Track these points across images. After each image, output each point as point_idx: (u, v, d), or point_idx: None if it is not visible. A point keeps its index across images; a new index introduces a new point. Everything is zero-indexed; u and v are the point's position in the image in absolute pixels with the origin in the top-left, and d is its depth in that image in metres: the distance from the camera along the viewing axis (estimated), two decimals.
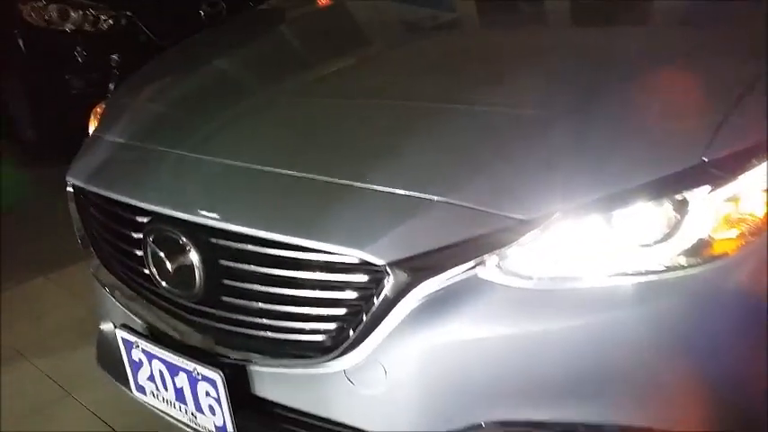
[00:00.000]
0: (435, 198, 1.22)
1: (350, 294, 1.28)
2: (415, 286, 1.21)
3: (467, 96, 1.48)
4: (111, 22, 4.54)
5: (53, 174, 4.38)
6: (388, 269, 1.20)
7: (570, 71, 1.47)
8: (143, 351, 1.56)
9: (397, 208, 1.24)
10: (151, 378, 1.59)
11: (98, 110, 2.15)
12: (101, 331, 1.95)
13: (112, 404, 2.29)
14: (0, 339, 2.72)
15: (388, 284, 1.21)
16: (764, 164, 1.21)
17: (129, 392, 1.74)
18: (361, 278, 1.25)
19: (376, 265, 1.21)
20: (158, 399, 1.60)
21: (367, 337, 1.26)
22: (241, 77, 1.97)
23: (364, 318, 1.25)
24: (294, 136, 1.52)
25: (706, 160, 1.19)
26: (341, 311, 1.29)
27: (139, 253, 1.54)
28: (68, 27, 4.49)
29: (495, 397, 1.25)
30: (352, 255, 1.22)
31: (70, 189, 1.77)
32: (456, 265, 1.20)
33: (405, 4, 2.39)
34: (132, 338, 1.57)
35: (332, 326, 1.31)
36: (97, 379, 2.37)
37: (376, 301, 1.23)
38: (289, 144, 1.49)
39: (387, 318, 1.23)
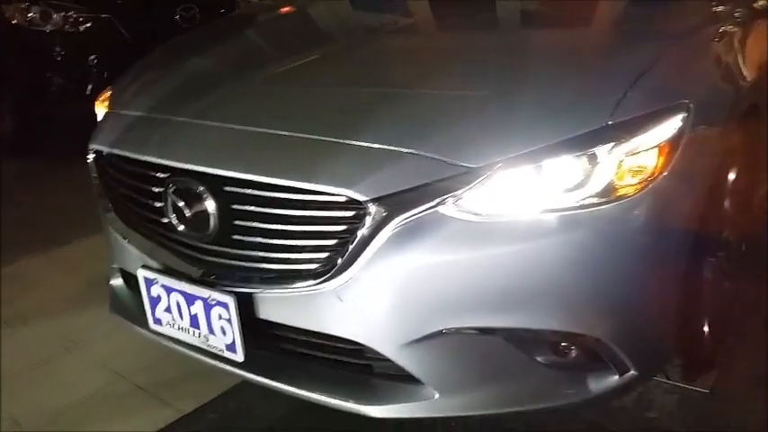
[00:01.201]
0: (405, 150, 1.59)
1: (338, 228, 1.63)
2: (391, 220, 1.56)
3: (424, 78, 1.89)
4: (89, 23, 4.79)
5: (33, 165, 4.66)
6: (369, 205, 1.55)
7: (504, 61, 1.90)
8: (162, 286, 1.87)
9: (375, 158, 1.60)
10: (168, 310, 1.90)
11: (105, 94, 2.44)
12: (111, 285, 2.26)
13: (117, 355, 2.57)
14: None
15: (369, 218, 1.56)
16: (656, 127, 1.60)
17: (143, 329, 2.05)
18: (347, 214, 1.61)
19: (359, 202, 1.56)
20: (174, 327, 1.91)
21: (353, 262, 1.61)
22: (235, 63, 2.31)
23: (350, 246, 1.60)
24: (287, 106, 1.89)
25: (610, 123, 1.58)
26: (331, 242, 1.64)
27: (158, 204, 1.87)
28: (49, 28, 4.73)
29: (452, 309, 1.61)
30: (340, 193, 1.57)
31: (91, 156, 2.09)
32: (422, 203, 1.56)
33: (365, 11, 2.79)
34: (153, 276, 1.88)
35: (323, 255, 1.65)
36: (99, 335, 2.69)
37: (359, 233, 1.58)
38: (284, 112, 1.86)
39: (368, 246, 1.59)
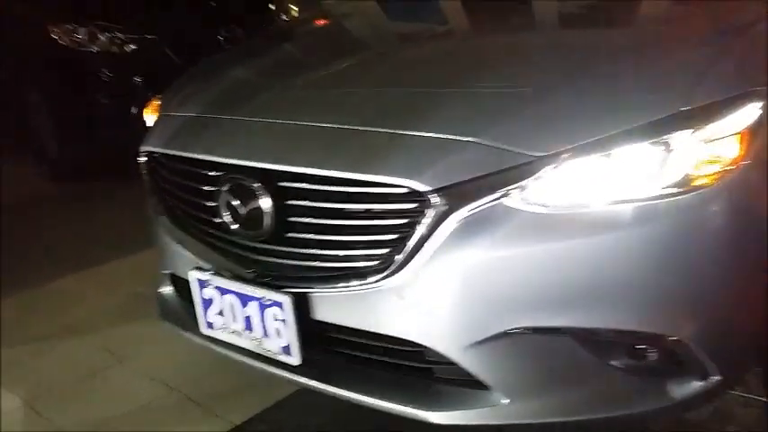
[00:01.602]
0: (468, 139, 1.52)
1: (397, 222, 1.56)
2: (454, 212, 1.49)
3: (483, 70, 1.83)
4: (135, 44, 4.86)
5: (78, 188, 4.71)
6: (431, 196, 1.48)
7: (568, 52, 1.83)
8: (215, 288, 1.82)
9: (437, 148, 1.53)
10: (221, 312, 1.85)
11: (154, 103, 2.43)
12: (160, 293, 2.22)
13: (165, 367, 2.54)
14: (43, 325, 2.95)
15: (431, 210, 1.49)
16: (734, 114, 1.51)
17: (193, 335, 2.00)
18: (408, 206, 1.54)
19: (421, 194, 1.49)
20: (226, 331, 1.85)
21: (413, 258, 1.53)
22: (284, 66, 2.28)
23: (410, 241, 1.52)
24: (342, 102, 1.84)
25: (686, 109, 1.49)
26: (390, 237, 1.57)
27: (211, 204, 1.82)
28: (96, 49, 4.80)
29: (519, 307, 1.52)
30: (401, 184, 1.50)
31: (143, 159, 2.06)
32: (487, 195, 1.48)
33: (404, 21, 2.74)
34: (206, 277, 1.83)
35: (382, 251, 1.58)
36: (147, 348, 2.66)
37: (420, 226, 1.51)
38: (339, 107, 1.81)
39: (429, 240, 1.51)
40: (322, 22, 3.03)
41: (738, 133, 1.50)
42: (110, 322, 2.92)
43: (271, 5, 5.67)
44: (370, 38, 2.55)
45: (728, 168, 1.49)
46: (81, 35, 4.78)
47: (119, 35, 4.82)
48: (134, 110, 4.70)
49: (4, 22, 5.17)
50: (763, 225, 1.56)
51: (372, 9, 2.87)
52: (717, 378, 1.57)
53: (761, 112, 1.54)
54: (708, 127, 1.48)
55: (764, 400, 1.98)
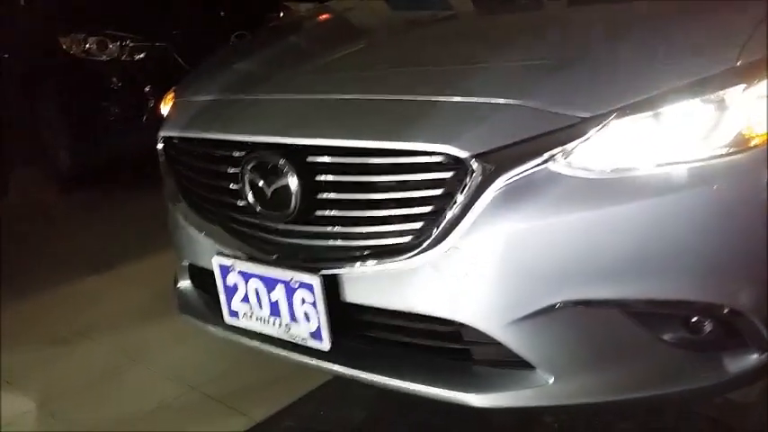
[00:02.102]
0: (509, 101, 1.44)
1: (435, 192, 1.47)
2: (495, 179, 1.41)
3: (521, 31, 1.77)
4: (145, 53, 4.82)
5: (91, 194, 4.69)
6: (472, 162, 1.40)
7: (611, 11, 1.73)
8: (239, 273, 1.74)
9: (476, 112, 1.46)
10: (245, 299, 1.76)
11: (170, 94, 2.37)
12: (179, 287, 2.14)
13: (185, 366, 2.46)
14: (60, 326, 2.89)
15: (471, 177, 1.41)
16: None
17: (216, 327, 1.93)
18: (446, 175, 1.46)
19: (460, 161, 1.42)
20: (252, 318, 1.77)
21: (452, 230, 1.45)
22: (304, 47, 2.21)
23: (449, 212, 1.44)
24: (370, 74, 1.77)
25: (739, 64, 1.41)
26: (427, 209, 1.49)
27: (234, 187, 1.75)
28: (105, 57, 4.76)
29: (566, 279, 1.43)
30: (439, 151, 1.42)
31: (160, 145, 1.99)
32: (530, 159, 1.40)
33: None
34: (229, 262, 1.75)
35: (418, 225, 1.50)
36: (166, 347, 2.59)
37: (459, 196, 1.43)
38: (367, 79, 1.74)
39: (470, 210, 1.43)
40: (334, 12, 2.96)
41: None
42: (127, 323, 2.85)
43: (281, 12, 5.63)
44: (388, 20, 2.46)
45: None
46: (91, 44, 4.74)
47: (128, 43, 4.78)
48: (144, 118, 4.70)
49: (14, 33, 5.15)
50: None
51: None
52: None
53: None
54: (761, 83, 1.40)
55: None
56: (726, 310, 1.43)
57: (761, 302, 1.44)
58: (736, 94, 1.39)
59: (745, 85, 1.39)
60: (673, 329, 1.47)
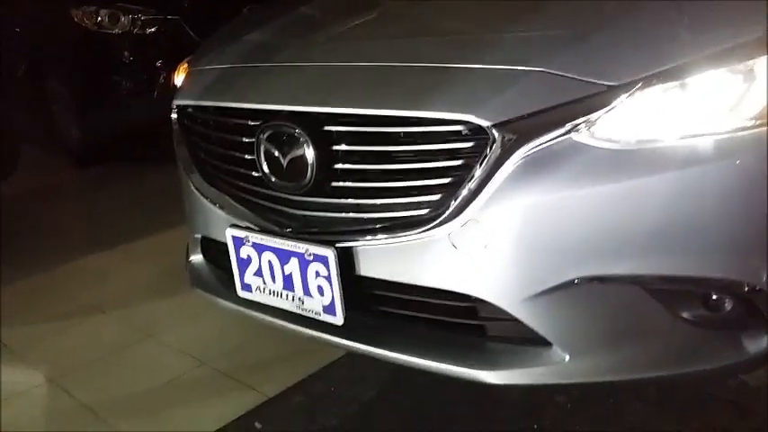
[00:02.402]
0: (532, 68, 1.40)
1: (454, 162, 1.44)
2: (517, 149, 1.38)
3: (544, 14, 1.66)
4: (157, 26, 4.78)
5: (102, 170, 4.69)
6: (493, 131, 1.37)
7: None
8: (253, 245, 1.72)
9: (498, 79, 1.42)
10: (258, 272, 1.74)
11: (183, 66, 2.34)
12: (191, 260, 2.12)
13: (196, 341, 2.46)
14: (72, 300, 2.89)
15: (493, 147, 1.38)
16: None
17: (228, 301, 1.91)
18: (466, 145, 1.42)
19: (481, 130, 1.38)
20: (264, 292, 1.75)
21: (471, 202, 1.42)
22: (321, 15, 2.15)
23: (469, 184, 1.41)
24: (389, 41, 1.73)
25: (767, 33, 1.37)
26: (445, 180, 1.46)
27: (249, 157, 1.72)
28: (117, 31, 4.73)
29: (587, 253, 1.40)
30: (459, 119, 1.39)
31: (174, 115, 1.97)
32: (553, 129, 1.37)
33: None
34: (243, 234, 1.73)
35: (436, 197, 1.47)
36: (177, 322, 2.58)
37: (479, 166, 1.40)
38: (386, 46, 1.70)
39: (490, 181, 1.40)
40: None
41: None
42: (138, 298, 2.85)
43: None
44: None
45: None
46: (102, 17, 4.71)
47: (140, 17, 4.74)
48: (156, 92, 4.67)
49: (25, 5, 5.12)
50: None
51: None
52: None
53: None
54: None
55: None
56: (746, 288, 1.40)
57: None
58: (765, 64, 1.35)
59: None
60: (692, 307, 1.44)
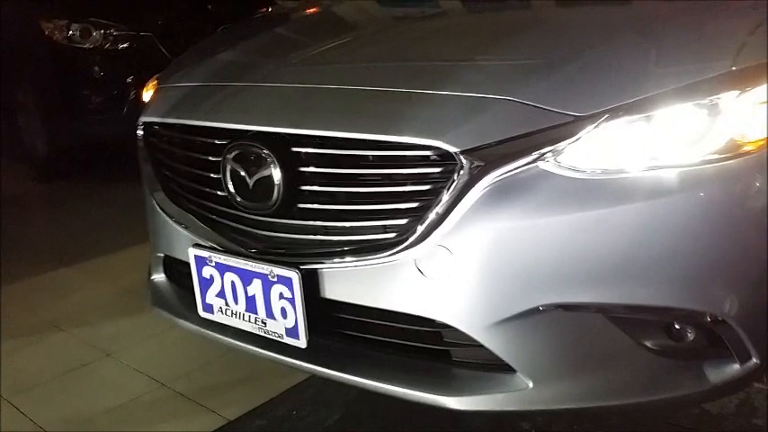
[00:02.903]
0: (502, 97, 1.41)
1: (421, 188, 1.44)
2: (484, 176, 1.38)
3: (517, 26, 1.74)
4: (129, 42, 4.74)
5: (68, 186, 4.61)
6: (461, 157, 1.37)
7: (610, 11, 1.70)
8: (215, 265, 1.69)
9: (467, 106, 1.43)
10: (221, 293, 1.72)
11: (152, 83, 2.31)
12: (153, 279, 2.09)
13: (155, 362, 2.40)
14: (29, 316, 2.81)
15: (460, 173, 1.38)
16: None
17: (188, 322, 1.88)
18: (434, 170, 1.42)
19: (448, 156, 1.38)
20: (226, 314, 1.72)
21: (437, 227, 1.42)
22: (295, 36, 2.16)
23: (435, 209, 1.41)
24: (361, 64, 1.73)
25: (734, 69, 1.40)
26: (412, 205, 1.45)
27: (215, 176, 1.70)
28: (88, 45, 4.67)
29: (552, 281, 1.41)
30: (428, 144, 1.39)
31: (140, 132, 1.94)
32: (520, 157, 1.38)
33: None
34: (206, 254, 1.70)
35: (403, 221, 1.47)
36: (136, 342, 2.53)
37: (446, 192, 1.40)
38: (358, 70, 1.70)
39: (456, 207, 1.40)
40: (322, 5, 2.91)
41: None
42: (99, 316, 2.78)
43: (269, 6, 5.58)
44: (378, 15, 2.42)
45: None
46: (74, 31, 4.65)
47: (113, 32, 4.70)
48: (125, 109, 4.61)
49: None
50: None
51: None
52: (755, 362, 1.46)
53: None
54: (755, 90, 1.39)
55: None
56: (709, 318, 1.42)
57: (745, 311, 1.42)
58: (729, 100, 1.38)
59: (739, 90, 1.38)
60: (655, 336, 1.45)
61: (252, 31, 2.37)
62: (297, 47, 2.03)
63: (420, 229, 1.43)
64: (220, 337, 1.80)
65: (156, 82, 2.19)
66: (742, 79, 1.39)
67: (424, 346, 1.56)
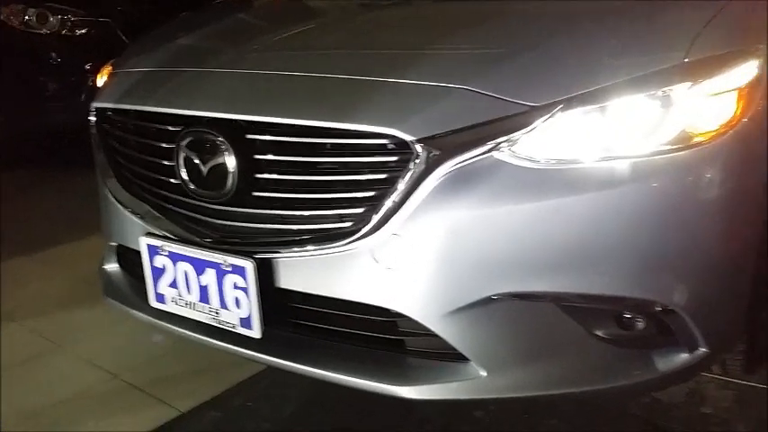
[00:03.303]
0: (457, 86, 1.40)
1: (377, 176, 1.43)
2: (440, 164, 1.37)
3: (473, 16, 1.72)
4: (87, 28, 4.64)
5: (25, 173, 4.49)
6: (417, 146, 1.37)
7: (564, 10, 1.70)
8: (168, 254, 1.66)
9: (424, 95, 1.42)
10: (173, 283, 1.68)
11: (107, 68, 2.26)
12: (105, 269, 2.05)
13: (109, 353, 2.36)
14: None
15: (416, 161, 1.37)
16: (734, 69, 1.44)
17: (141, 312, 1.85)
18: (389, 159, 1.41)
19: (404, 145, 1.38)
20: (179, 304, 1.69)
21: (392, 216, 1.41)
22: (253, 23, 2.12)
23: (390, 198, 1.40)
24: (318, 52, 1.72)
25: (686, 61, 1.41)
26: (368, 194, 1.44)
27: (168, 163, 1.67)
28: (45, 31, 4.56)
29: (505, 270, 1.41)
30: (384, 133, 1.38)
31: (92, 118, 1.90)
32: (476, 146, 1.38)
33: None
34: (158, 243, 1.67)
35: (359, 210, 1.45)
36: (90, 333, 2.48)
37: (402, 181, 1.39)
38: (315, 57, 1.68)
39: (411, 196, 1.39)
40: None
41: (737, 89, 1.43)
42: (52, 307, 2.72)
43: None
44: (340, 2, 2.40)
45: (727, 126, 1.41)
46: (30, 16, 4.54)
47: (70, 17, 4.59)
48: (83, 96, 4.51)
49: None
50: (760, 187, 1.49)
51: None
52: (704, 351, 1.49)
53: (758, 70, 1.47)
54: (707, 81, 1.41)
55: (741, 382, 1.91)
56: (658, 308, 1.44)
57: (693, 301, 1.44)
58: (681, 92, 1.39)
59: (691, 82, 1.40)
60: (607, 325, 1.47)
61: (211, 17, 2.33)
62: (256, 33, 2.00)
63: (376, 218, 1.42)
64: (173, 327, 1.77)
65: (110, 67, 2.15)
66: (694, 71, 1.41)
67: (379, 336, 1.56)
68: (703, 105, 1.40)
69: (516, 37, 1.58)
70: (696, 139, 1.39)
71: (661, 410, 1.86)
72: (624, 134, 1.39)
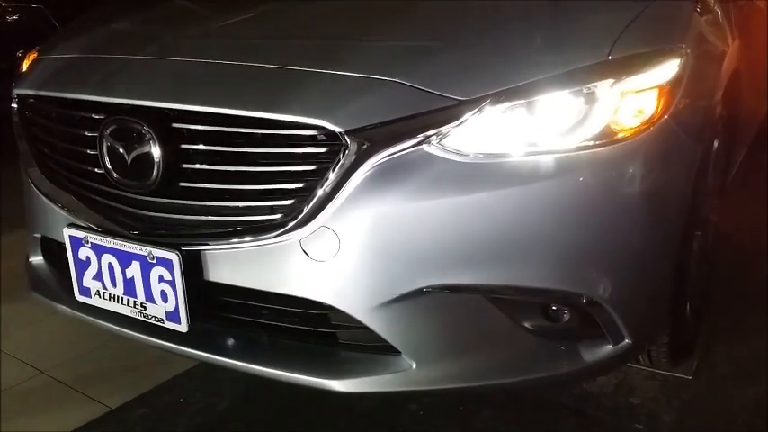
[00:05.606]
0: (388, 78, 1.40)
1: (306, 168, 1.42)
2: (369, 157, 1.37)
3: (405, 9, 1.71)
4: (19, 14, 4.49)
5: None
6: (346, 137, 1.36)
7: (490, 6, 1.71)
8: (92, 246, 1.62)
9: (353, 87, 1.41)
10: (98, 276, 1.64)
11: (32, 54, 2.18)
12: (29, 262, 1.98)
13: (34, 349, 2.29)
14: None
15: (346, 152, 1.36)
16: (657, 67, 1.47)
17: (66, 306, 1.79)
18: (319, 150, 1.40)
19: (334, 136, 1.36)
20: (104, 297, 1.65)
21: (322, 209, 1.40)
22: (179, 15, 2.05)
23: (320, 190, 1.39)
24: (247, 40, 1.69)
25: (610, 58, 1.44)
26: (297, 186, 1.43)
27: (92, 152, 1.62)
28: None
29: (434, 263, 1.42)
30: (313, 124, 1.37)
31: (15, 105, 1.83)
32: (405, 139, 1.37)
33: None
34: (82, 234, 1.62)
35: (288, 202, 1.44)
36: (16, 329, 2.39)
37: (332, 172, 1.38)
38: (244, 45, 1.66)
39: (341, 189, 1.38)
40: None
41: (658, 87, 1.46)
42: None
43: None
44: None
45: (649, 123, 1.45)
46: None
47: (1, 4, 4.43)
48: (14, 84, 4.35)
49: None
50: (681, 183, 1.53)
51: None
52: (628, 342, 1.52)
53: (680, 68, 1.51)
54: (628, 79, 1.43)
55: (667, 373, 1.96)
56: (583, 300, 1.46)
57: (618, 293, 1.48)
58: (605, 88, 1.42)
59: (614, 79, 1.42)
60: (533, 317, 1.49)
61: (142, 5, 2.27)
62: (187, 21, 1.95)
63: (306, 209, 1.41)
64: (98, 321, 1.73)
65: (35, 53, 2.07)
66: (618, 68, 1.43)
67: (311, 329, 1.55)
68: (626, 102, 1.43)
69: (447, 31, 1.58)
70: (619, 135, 1.42)
71: (591, 400, 1.90)
72: (549, 129, 1.40)
